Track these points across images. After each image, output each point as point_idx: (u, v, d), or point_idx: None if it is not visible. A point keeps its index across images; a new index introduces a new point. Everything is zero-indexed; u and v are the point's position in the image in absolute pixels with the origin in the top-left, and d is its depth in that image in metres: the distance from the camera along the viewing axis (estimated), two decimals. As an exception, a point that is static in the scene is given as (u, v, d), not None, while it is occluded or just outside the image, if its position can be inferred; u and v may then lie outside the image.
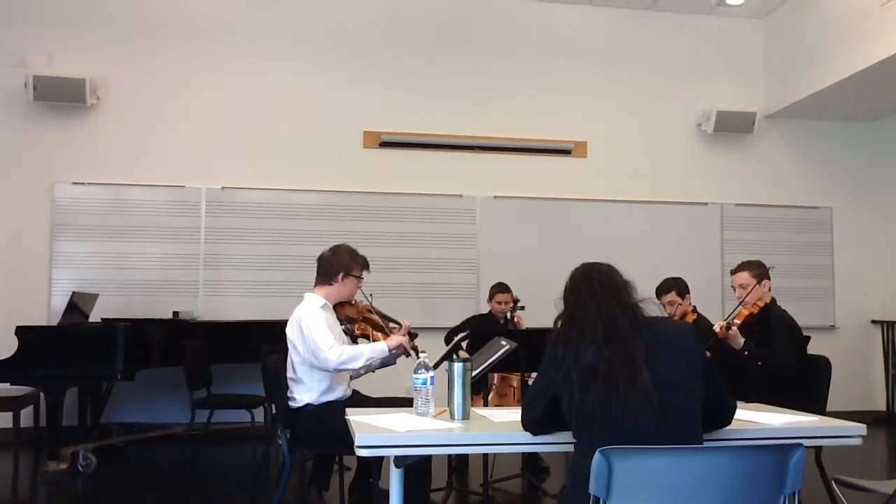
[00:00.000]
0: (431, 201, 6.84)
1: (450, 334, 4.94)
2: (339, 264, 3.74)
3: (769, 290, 4.10)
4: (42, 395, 5.09)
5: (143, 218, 6.39)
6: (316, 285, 3.77)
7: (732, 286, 4.16)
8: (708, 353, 3.94)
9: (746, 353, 3.92)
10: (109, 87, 6.46)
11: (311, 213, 6.61)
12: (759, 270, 4.09)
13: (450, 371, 2.69)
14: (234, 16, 6.73)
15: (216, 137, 6.60)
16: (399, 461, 2.41)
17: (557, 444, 2.38)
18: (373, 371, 3.83)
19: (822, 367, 3.68)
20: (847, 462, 3.86)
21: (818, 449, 3.40)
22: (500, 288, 5.43)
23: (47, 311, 6.13)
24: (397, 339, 3.66)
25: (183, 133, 6.56)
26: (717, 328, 3.97)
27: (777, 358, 3.82)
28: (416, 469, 2.92)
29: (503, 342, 3.31)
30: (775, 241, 7.17)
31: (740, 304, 4.09)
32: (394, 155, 6.86)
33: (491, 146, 6.98)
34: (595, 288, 2.26)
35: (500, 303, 5.38)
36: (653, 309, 2.30)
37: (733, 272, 4.18)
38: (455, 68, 7.03)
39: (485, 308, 5.76)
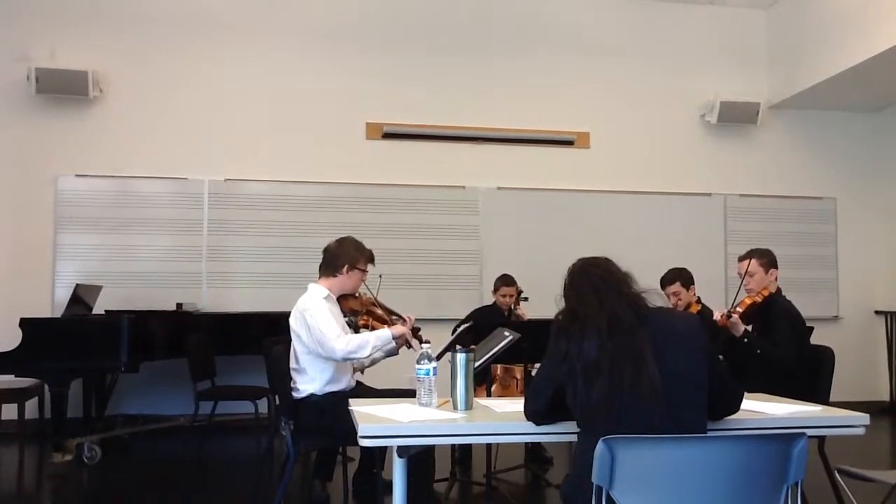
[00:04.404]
0: (434, 193, 6.83)
1: (456, 328, 4.94)
2: (344, 256, 3.75)
3: (776, 279, 4.09)
4: (46, 387, 5.12)
5: (146, 210, 6.39)
6: (320, 276, 3.78)
7: (739, 272, 4.15)
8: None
9: (745, 339, 3.92)
10: (112, 80, 6.45)
11: (313, 205, 6.61)
12: (768, 259, 4.08)
13: (453, 362, 2.68)
14: (236, 8, 6.72)
15: (219, 129, 6.59)
16: (402, 451, 2.42)
17: (561, 434, 2.38)
18: (375, 362, 3.85)
19: (825, 358, 3.68)
20: (850, 452, 3.86)
21: (821, 439, 3.39)
22: (505, 280, 5.42)
23: (51, 303, 6.15)
24: (401, 328, 3.67)
25: (186, 125, 6.55)
26: (717, 317, 3.97)
27: (777, 350, 3.81)
28: (420, 459, 2.91)
29: (506, 333, 3.30)
30: (779, 232, 7.13)
31: (739, 288, 4.09)
32: (396, 146, 6.85)
33: (494, 137, 6.97)
34: (595, 282, 2.24)
35: (504, 295, 5.38)
36: (656, 300, 2.29)
37: (741, 259, 4.17)
38: (457, 60, 7.01)
39: (488, 299, 5.75)
